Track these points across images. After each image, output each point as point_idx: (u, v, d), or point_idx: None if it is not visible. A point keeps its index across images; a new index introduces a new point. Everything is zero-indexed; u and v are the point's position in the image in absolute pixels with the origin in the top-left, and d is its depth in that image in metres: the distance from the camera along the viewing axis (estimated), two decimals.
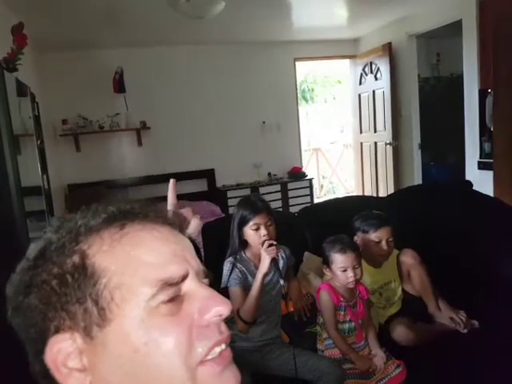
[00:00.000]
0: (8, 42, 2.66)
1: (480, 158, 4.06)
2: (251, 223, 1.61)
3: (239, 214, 1.64)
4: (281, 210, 4.97)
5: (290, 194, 5.19)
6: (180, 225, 0.53)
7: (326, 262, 1.66)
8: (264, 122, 5.21)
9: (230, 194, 4.82)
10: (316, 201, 5.74)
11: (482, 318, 1.83)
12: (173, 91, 4.76)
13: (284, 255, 1.74)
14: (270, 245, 1.54)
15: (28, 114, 2.90)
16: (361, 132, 5.66)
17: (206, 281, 0.50)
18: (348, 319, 1.63)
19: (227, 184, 5.00)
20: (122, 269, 0.44)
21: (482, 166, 4.00)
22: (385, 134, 5.11)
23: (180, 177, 4.86)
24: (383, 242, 1.85)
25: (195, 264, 0.49)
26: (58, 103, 4.31)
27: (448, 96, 5.23)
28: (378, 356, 1.58)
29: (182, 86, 4.77)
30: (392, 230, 1.87)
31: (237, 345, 1.62)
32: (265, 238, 1.58)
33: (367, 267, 1.89)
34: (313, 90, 8.69)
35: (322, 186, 7.78)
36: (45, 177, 2.87)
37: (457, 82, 4.53)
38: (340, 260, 1.60)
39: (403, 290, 1.94)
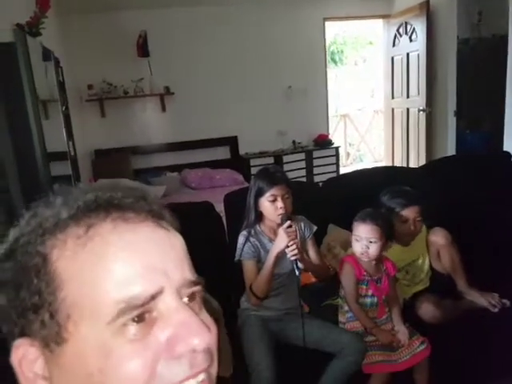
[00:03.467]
0: (31, 6, 2.61)
1: None
2: (268, 194, 1.55)
3: (256, 185, 1.59)
4: (305, 179, 4.88)
5: (315, 162, 5.07)
6: (172, 220, 0.46)
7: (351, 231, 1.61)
8: (290, 87, 5.03)
9: (252, 162, 4.74)
10: (342, 170, 5.60)
11: None
12: (196, 55, 4.64)
13: (301, 226, 1.68)
14: (290, 225, 1.49)
15: (52, 80, 2.89)
16: (392, 97, 5.40)
17: (196, 288, 0.44)
18: (370, 294, 1.58)
19: (250, 152, 4.93)
20: (81, 283, 0.38)
21: None
22: (418, 100, 4.85)
23: (203, 144, 4.86)
24: (410, 222, 1.75)
25: (178, 277, 0.41)
26: (82, 68, 4.27)
27: (488, 59, 4.85)
28: (401, 331, 1.54)
29: (206, 49, 4.63)
30: (420, 209, 1.77)
31: (260, 314, 1.63)
32: (281, 210, 1.53)
33: (393, 245, 1.81)
34: (342, 51, 8.32)
35: (348, 154, 7.58)
36: (70, 142, 2.89)
37: (499, 43, 4.18)
38: (356, 228, 1.56)
39: (431, 267, 1.87)
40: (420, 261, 1.85)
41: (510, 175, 2.26)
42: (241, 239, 1.62)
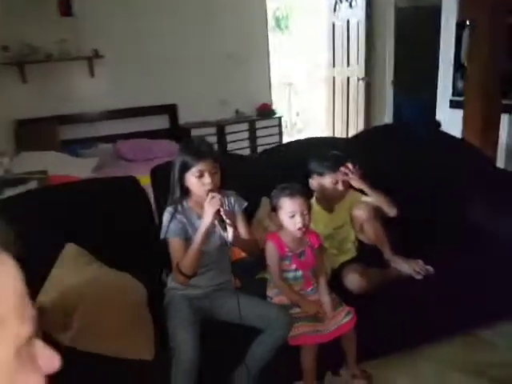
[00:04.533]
0: None
1: (452, 96, 3.94)
2: (194, 169, 1.46)
3: (180, 159, 1.48)
4: (248, 150, 4.80)
5: (259, 133, 4.97)
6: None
7: (275, 209, 1.55)
8: (231, 53, 4.83)
9: (194, 132, 4.55)
10: (286, 140, 5.57)
11: (438, 264, 1.81)
12: (129, 15, 4.27)
13: (231, 201, 1.62)
14: (213, 196, 1.42)
15: None
16: (334, 65, 5.39)
17: None
18: (293, 268, 1.57)
19: (191, 121, 4.73)
20: None
21: (453, 104, 3.89)
22: (357, 69, 4.87)
23: (139, 112, 4.57)
24: (339, 184, 1.78)
25: None
26: None
27: (425, 29, 4.94)
28: (326, 303, 1.55)
29: (140, 9, 4.29)
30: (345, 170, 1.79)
31: (186, 293, 1.56)
32: (209, 186, 1.45)
33: (320, 211, 1.81)
34: (287, 16, 8.12)
35: (295, 124, 7.57)
36: None
37: (436, 13, 4.25)
38: (288, 204, 1.51)
39: (357, 238, 1.89)
40: (345, 227, 1.87)
41: (438, 144, 2.31)
42: (166, 216, 1.52)
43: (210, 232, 1.45)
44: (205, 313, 1.55)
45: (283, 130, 5.44)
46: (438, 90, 4.12)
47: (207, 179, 1.45)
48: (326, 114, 5.97)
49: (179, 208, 1.54)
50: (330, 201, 1.82)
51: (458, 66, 3.84)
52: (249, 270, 1.74)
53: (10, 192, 2.13)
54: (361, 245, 1.90)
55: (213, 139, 4.63)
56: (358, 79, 4.89)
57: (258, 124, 4.97)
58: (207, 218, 1.41)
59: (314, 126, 7.49)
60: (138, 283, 1.56)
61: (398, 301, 1.72)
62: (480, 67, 3.02)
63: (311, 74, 7.63)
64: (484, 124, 3.05)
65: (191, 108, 4.72)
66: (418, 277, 1.77)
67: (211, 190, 1.44)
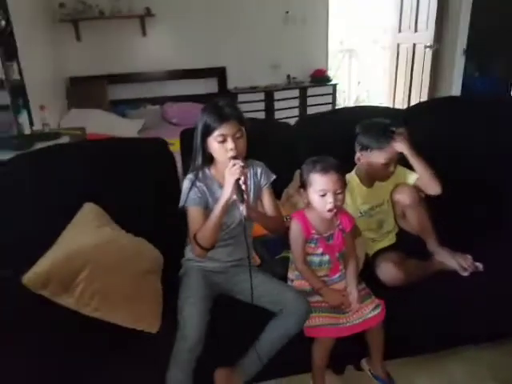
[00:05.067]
0: None
1: None
2: (216, 133, 1.32)
3: (203, 122, 1.35)
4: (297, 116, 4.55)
5: (310, 101, 4.70)
6: None
7: (304, 186, 1.39)
8: (287, 13, 4.54)
9: (241, 97, 4.41)
10: None
11: (489, 262, 1.56)
12: None
13: (257, 173, 1.47)
14: (235, 160, 1.29)
15: None
16: (399, 31, 4.89)
17: None
18: (320, 252, 1.41)
19: (240, 86, 4.57)
20: None
21: None
22: (426, 35, 4.38)
23: (188, 75, 4.48)
24: (391, 164, 1.56)
25: None
26: None
27: (505, 2, 4.30)
28: (353, 294, 1.38)
29: None
30: (397, 152, 1.56)
31: (203, 265, 1.48)
32: (232, 153, 1.31)
33: (359, 185, 1.62)
34: None
35: (355, 96, 7.10)
36: (14, 67, 2.61)
37: None
38: (320, 182, 1.33)
39: (398, 225, 1.69)
40: (385, 205, 1.66)
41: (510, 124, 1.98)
42: (186, 183, 1.42)
43: (230, 204, 1.33)
44: (220, 288, 1.47)
45: (341, 100, 5.10)
46: None
47: (230, 144, 1.31)
48: (388, 86, 5.52)
49: (200, 175, 1.43)
50: (376, 178, 1.62)
51: None
52: (271, 248, 1.61)
53: (40, 145, 2.14)
54: (401, 232, 1.69)
55: (260, 106, 4.47)
56: (426, 46, 4.40)
57: (311, 91, 4.70)
58: (227, 187, 1.29)
59: (374, 97, 7.00)
60: (155, 250, 1.50)
61: (436, 298, 1.51)
62: None
63: (375, 41, 7.07)
64: None
65: (241, 72, 4.55)
66: (465, 273, 1.55)
67: (234, 157, 1.31)
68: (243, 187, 1.27)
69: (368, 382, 1.52)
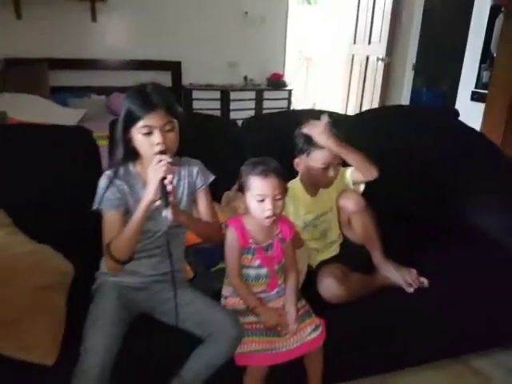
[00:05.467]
0: None
1: (475, 88, 3.61)
2: (141, 124, 1.14)
3: (125, 109, 1.17)
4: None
5: (266, 104, 4.64)
6: None
7: (242, 189, 1.28)
8: (247, 13, 4.45)
9: (195, 94, 4.26)
10: None
11: (435, 277, 1.54)
12: None
13: (192, 172, 1.32)
14: (162, 155, 1.13)
15: None
16: (354, 42, 4.98)
17: None
18: (257, 264, 1.30)
19: (195, 83, 4.41)
20: None
21: (475, 96, 3.57)
22: (379, 48, 4.48)
23: (139, 66, 4.23)
24: (331, 168, 1.48)
25: None
26: None
27: (455, 16, 4.51)
28: (291, 313, 1.28)
29: None
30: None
31: (119, 280, 1.27)
32: (159, 147, 1.15)
33: (302, 193, 1.54)
34: None
35: (313, 105, 7.15)
36: None
37: (469, 4, 3.82)
38: (258, 186, 1.22)
39: (342, 235, 1.63)
40: (329, 215, 1.59)
41: (452, 134, 2.01)
42: (102, 181, 1.22)
43: (154, 208, 1.15)
44: (139, 308, 1.27)
45: (297, 107, 5.10)
46: (461, 80, 3.77)
47: (157, 138, 1.14)
48: (341, 95, 5.60)
49: (121, 172, 1.23)
50: (317, 185, 1.54)
51: (486, 56, 3.50)
52: (207, 258, 1.47)
53: None
54: (346, 243, 1.63)
55: (216, 105, 4.35)
56: (378, 59, 4.51)
57: (267, 94, 4.64)
58: (150, 188, 1.12)
59: (329, 106, 7.09)
60: (63, 261, 1.29)
61: (380, 316, 1.47)
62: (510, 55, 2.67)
63: (332, 51, 7.17)
64: (508, 122, 2.73)
65: (197, 68, 4.40)
66: (410, 290, 1.50)
67: (162, 152, 1.14)
68: (169, 188, 1.11)
69: None
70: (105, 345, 1.07)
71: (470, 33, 3.56)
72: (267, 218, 1.23)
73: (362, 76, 4.83)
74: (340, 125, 1.52)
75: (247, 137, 1.83)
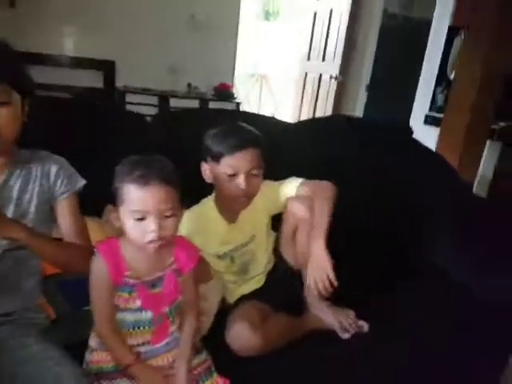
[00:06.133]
0: None
1: (429, 111, 3.46)
2: None
3: None
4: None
5: None
6: None
7: (115, 200, 0.87)
8: (193, 16, 4.12)
9: (129, 97, 3.83)
10: None
11: (376, 321, 1.20)
12: None
13: (49, 173, 0.93)
14: None
15: None
16: (308, 58, 4.80)
17: None
18: (137, 306, 0.89)
19: (130, 85, 3.97)
20: None
21: (429, 120, 3.42)
22: (332, 66, 4.30)
23: (65, 62, 3.76)
24: (240, 177, 1.09)
25: None
26: None
27: (412, 41, 4.45)
28: (181, 375, 0.89)
29: None
30: (257, 158, 1.12)
31: None
32: None
33: (216, 218, 1.16)
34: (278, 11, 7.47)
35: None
36: None
37: (426, 28, 3.74)
38: (136, 198, 0.83)
39: (278, 251, 1.25)
40: (253, 245, 1.22)
41: (407, 152, 1.73)
42: None
43: None
44: None
45: None
46: (415, 103, 3.63)
47: None
48: (292, 111, 5.39)
49: None
50: (227, 202, 1.16)
51: (441, 79, 3.38)
52: (75, 294, 1.04)
53: None
54: (275, 270, 1.26)
55: (153, 111, 3.92)
56: (331, 77, 4.32)
57: (213, 105, 4.28)
58: None
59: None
60: None
61: (305, 371, 1.09)
62: (470, 73, 2.50)
63: (286, 68, 7.03)
64: (464, 146, 2.54)
65: (134, 70, 3.97)
66: (345, 335, 1.16)
67: None
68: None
69: None
70: None
71: (427, 54, 3.45)
72: (150, 242, 0.82)
73: (315, 94, 4.63)
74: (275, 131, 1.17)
75: (153, 134, 1.43)
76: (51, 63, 3.64)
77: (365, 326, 1.19)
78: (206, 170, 1.13)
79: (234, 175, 1.08)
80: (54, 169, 0.93)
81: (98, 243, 0.89)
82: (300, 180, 1.19)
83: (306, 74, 4.89)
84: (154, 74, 4.06)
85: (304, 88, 4.91)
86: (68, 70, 3.73)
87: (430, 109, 3.45)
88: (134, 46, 3.92)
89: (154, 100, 3.95)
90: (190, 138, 1.33)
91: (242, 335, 1.02)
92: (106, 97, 3.78)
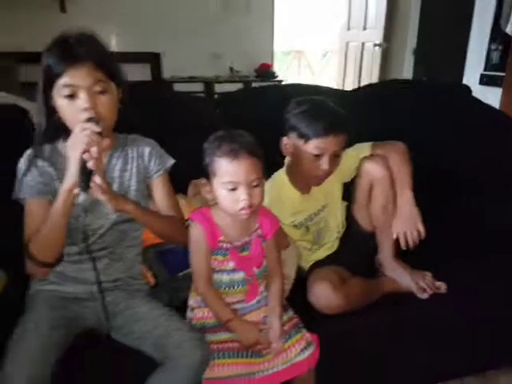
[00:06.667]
0: None
1: (484, 71, 3.28)
2: (61, 82, 0.86)
3: (44, 65, 0.88)
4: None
5: None
6: None
7: (207, 175, 0.96)
8: (228, 2, 4.15)
9: (177, 87, 3.96)
10: None
11: (454, 282, 1.22)
12: None
13: (143, 154, 1.03)
14: (86, 123, 0.85)
15: None
16: (348, 28, 4.69)
17: None
18: (230, 268, 0.99)
19: (177, 75, 4.10)
20: None
21: (485, 80, 3.24)
22: (375, 33, 4.18)
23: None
24: (325, 158, 1.13)
25: None
26: None
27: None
28: (275, 329, 0.98)
29: None
30: (344, 141, 1.15)
31: (58, 289, 1.00)
32: (86, 113, 0.86)
33: (290, 189, 1.22)
34: None
35: None
36: None
37: None
38: (228, 170, 0.91)
39: (351, 216, 1.29)
40: (325, 212, 1.27)
41: (467, 112, 1.69)
42: (21, 164, 0.96)
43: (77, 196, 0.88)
44: (84, 324, 0.99)
45: None
46: (467, 62, 3.46)
47: (83, 101, 0.86)
48: (336, 85, 5.30)
49: (47, 151, 0.96)
50: (306, 178, 1.21)
51: (495, 35, 3.18)
52: (172, 261, 1.17)
53: None
54: (348, 234, 1.30)
55: None
56: (375, 45, 4.20)
57: (255, 86, 4.33)
58: (71, 167, 0.84)
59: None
60: None
61: (385, 329, 1.15)
62: None
63: (323, 41, 6.89)
64: None
65: (179, 60, 4.10)
66: (423, 295, 1.19)
67: (91, 120, 0.86)
68: (90, 164, 0.82)
69: None
70: (28, 377, 0.80)
71: (477, 7, 3.23)
72: (242, 210, 0.91)
73: (358, 64, 4.53)
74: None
75: (221, 116, 1.51)
76: None
77: (442, 286, 1.22)
78: (287, 144, 1.18)
79: (318, 156, 1.12)
80: (147, 150, 1.03)
81: (193, 213, 0.99)
82: (369, 143, 1.23)
83: (347, 44, 4.79)
84: (198, 61, 4.17)
85: (346, 59, 4.82)
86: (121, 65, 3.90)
87: (485, 68, 3.28)
88: (175, 36, 4.03)
89: (200, 87, 4.05)
90: (252, 118, 1.40)
91: (324, 294, 1.09)
92: (155, 88, 3.92)
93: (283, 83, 4.53)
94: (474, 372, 1.39)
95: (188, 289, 1.08)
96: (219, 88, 4.12)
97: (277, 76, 4.52)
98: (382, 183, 1.17)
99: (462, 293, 1.21)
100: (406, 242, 1.19)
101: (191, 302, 1.04)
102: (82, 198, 0.89)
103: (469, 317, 1.23)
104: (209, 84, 4.08)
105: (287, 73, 6.48)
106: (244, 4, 4.21)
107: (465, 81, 3.44)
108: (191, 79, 4.08)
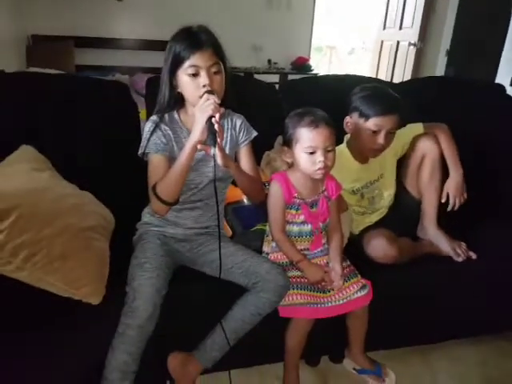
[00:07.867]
0: None
1: None
2: (187, 64, 1.10)
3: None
4: None
5: None
6: None
7: (288, 143, 1.18)
8: None
9: None
10: None
11: (483, 252, 1.42)
12: None
13: (236, 126, 1.26)
14: (209, 95, 1.07)
15: None
16: (384, 27, 4.82)
17: None
18: (301, 220, 1.21)
19: None
20: None
21: None
22: (411, 32, 4.32)
23: (162, 46, 4.16)
24: (381, 134, 1.34)
25: None
26: None
27: (494, 4, 4.29)
28: (337, 270, 1.19)
29: None
30: (398, 120, 1.36)
31: (162, 230, 1.25)
32: (206, 88, 1.09)
33: (349, 160, 1.43)
34: None
35: None
36: None
37: None
38: (308, 137, 1.12)
39: (402, 187, 1.50)
40: (379, 182, 1.48)
41: (503, 109, 1.86)
42: (148, 126, 1.19)
43: (197, 156, 1.13)
44: (181, 259, 1.23)
45: None
46: (501, 64, 3.57)
47: (204, 79, 1.09)
48: None
49: (166, 118, 1.20)
50: (364, 150, 1.41)
51: None
52: (245, 218, 1.39)
53: None
54: (397, 203, 1.51)
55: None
56: (410, 44, 4.34)
57: (291, 78, 4.52)
58: (197, 127, 1.06)
59: None
60: (104, 209, 1.25)
61: (427, 282, 1.37)
62: None
63: (358, 38, 7.03)
64: None
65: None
66: (459, 259, 1.39)
67: (209, 92, 1.09)
68: (216, 127, 1.05)
69: (345, 375, 1.34)
70: (153, 283, 1.05)
71: (510, 28, 3.35)
72: (319, 169, 1.13)
73: (392, 62, 4.67)
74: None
75: (284, 100, 1.72)
76: (149, 47, 4.06)
77: (473, 255, 1.41)
78: (349, 123, 1.40)
79: (376, 132, 1.34)
80: (238, 122, 1.26)
81: (275, 174, 1.22)
82: (420, 123, 1.44)
83: (382, 43, 4.92)
84: (239, 53, 4.36)
85: (380, 56, 4.95)
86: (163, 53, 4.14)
87: None
88: (219, 28, 4.19)
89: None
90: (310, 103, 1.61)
91: (382, 245, 1.30)
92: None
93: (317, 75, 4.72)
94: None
95: (257, 241, 1.31)
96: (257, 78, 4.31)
97: (313, 69, 4.70)
98: (432, 155, 1.40)
99: (491, 259, 1.42)
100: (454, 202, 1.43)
101: (265, 248, 1.27)
102: (212, 150, 1.08)
103: (493, 279, 1.44)
104: (249, 74, 4.28)
105: (319, 67, 6.63)
106: (286, 2, 4.40)
107: (497, 81, 3.57)
108: (233, 69, 4.28)
